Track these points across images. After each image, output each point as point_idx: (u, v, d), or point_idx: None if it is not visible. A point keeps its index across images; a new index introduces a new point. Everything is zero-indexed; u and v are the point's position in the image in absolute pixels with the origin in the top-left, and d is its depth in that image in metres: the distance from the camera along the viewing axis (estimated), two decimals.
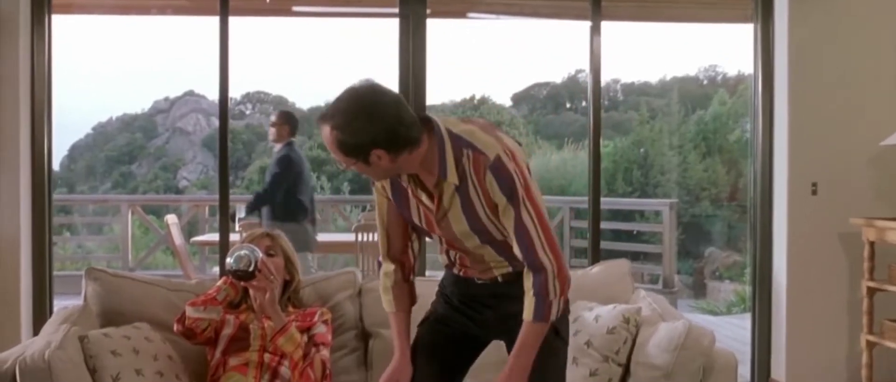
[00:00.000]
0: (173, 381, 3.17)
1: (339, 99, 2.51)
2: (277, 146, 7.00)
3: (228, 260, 3.15)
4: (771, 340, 5.42)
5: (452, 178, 2.56)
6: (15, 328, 4.79)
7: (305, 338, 3.28)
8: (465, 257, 2.80)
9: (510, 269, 2.73)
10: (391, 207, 2.79)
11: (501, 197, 2.53)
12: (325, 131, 2.51)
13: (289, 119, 7.07)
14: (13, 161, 4.85)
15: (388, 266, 2.88)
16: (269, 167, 7.06)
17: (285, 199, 6.84)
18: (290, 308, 3.41)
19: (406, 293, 2.90)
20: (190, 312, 3.18)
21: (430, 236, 2.84)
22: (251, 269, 3.12)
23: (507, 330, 2.72)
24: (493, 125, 2.68)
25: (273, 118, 7.11)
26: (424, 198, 2.68)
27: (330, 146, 2.54)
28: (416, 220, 2.76)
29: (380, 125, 2.46)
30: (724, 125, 15.95)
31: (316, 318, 3.37)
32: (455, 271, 2.88)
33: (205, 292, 3.35)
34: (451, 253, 2.86)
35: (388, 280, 2.88)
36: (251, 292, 3.23)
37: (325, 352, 3.30)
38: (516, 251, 2.59)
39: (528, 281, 2.59)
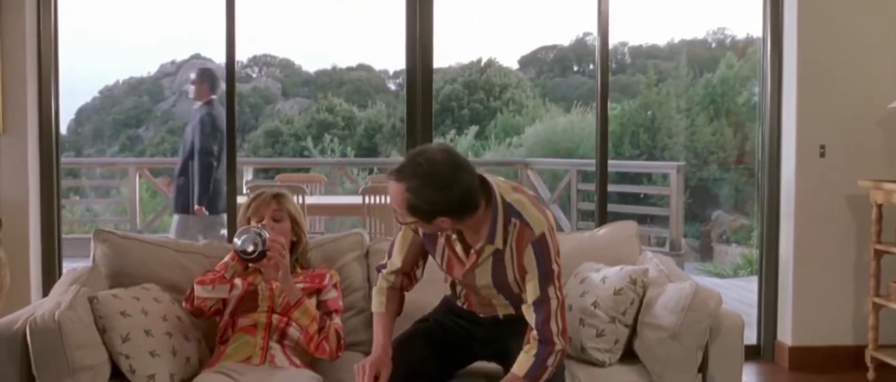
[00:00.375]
0: (182, 342, 3.19)
1: (415, 162, 2.60)
2: (197, 104, 6.86)
3: (236, 241, 3.11)
4: (777, 302, 5.44)
5: (499, 243, 2.74)
6: (25, 290, 4.82)
7: (314, 301, 3.30)
8: (472, 295, 2.99)
9: (513, 312, 2.93)
10: (416, 239, 2.96)
11: (534, 269, 2.72)
12: (397, 189, 2.62)
13: (208, 76, 6.88)
14: (21, 124, 4.85)
15: (391, 276, 3.03)
16: (189, 128, 6.88)
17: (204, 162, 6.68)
18: (299, 269, 3.41)
19: (397, 301, 3.06)
20: (198, 291, 3.17)
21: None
22: (260, 251, 3.08)
23: (504, 346, 2.90)
24: (537, 198, 2.85)
25: (192, 76, 6.97)
26: (459, 250, 2.85)
27: (397, 203, 2.65)
28: (437, 260, 2.95)
29: (452, 196, 2.59)
30: (732, 88, 15.90)
31: (325, 281, 3.36)
32: (459, 303, 3.08)
33: (213, 264, 3.36)
34: (459, 289, 3.04)
35: (386, 284, 3.03)
36: (263, 269, 3.21)
37: (338, 320, 3.29)
38: (529, 316, 2.76)
39: (532, 346, 2.75)
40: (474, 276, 2.86)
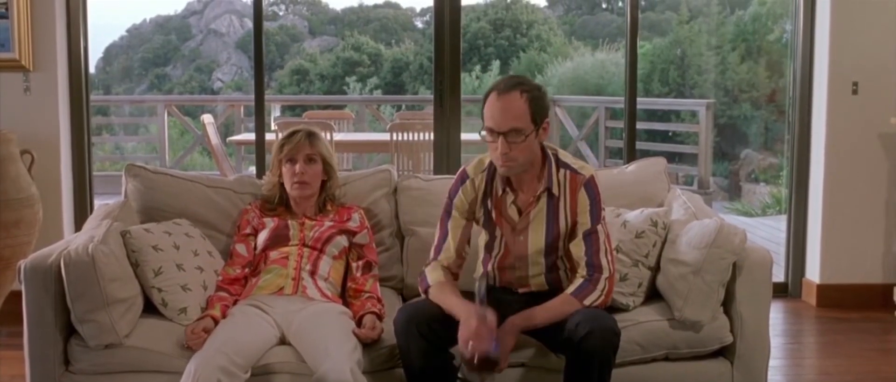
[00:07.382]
0: (213, 276, 3.23)
1: (509, 77, 2.91)
2: None
3: None
4: (806, 240, 5.42)
5: (555, 190, 2.94)
6: (57, 226, 4.88)
7: (344, 238, 3.34)
8: (508, 273, 3.07)
9: (547, 287, 3.04)
10: (467, 225, 3.06)
11: (587, 212, 2.93)
12: (515, 96, 2.81)
13: None
14: (50, 62, 4.87)
15: (446, 262, 3.05)
16: None
17: None
18: (328, 206, 3.43)
19: (453, 281, 3.05)
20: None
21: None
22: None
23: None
24: None
25: None
26: (512, 212, 3.00)
27: (515, 114, 2.79)
28: (496, 245, 3.05)
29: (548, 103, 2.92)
30: (764, 26, 15.67)
31: (355, 221, 3.41)
32: (495, 283, 3.12)
33: (243, 200, 3.52)
34: (493, 272, 3.10)
35: (441, 266, 3.04)
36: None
37: (374, 286, 3.30)
38: (578, 251, 2.93)
39: (581, 276, 2.92)
40: (526, 240, 2.98)
